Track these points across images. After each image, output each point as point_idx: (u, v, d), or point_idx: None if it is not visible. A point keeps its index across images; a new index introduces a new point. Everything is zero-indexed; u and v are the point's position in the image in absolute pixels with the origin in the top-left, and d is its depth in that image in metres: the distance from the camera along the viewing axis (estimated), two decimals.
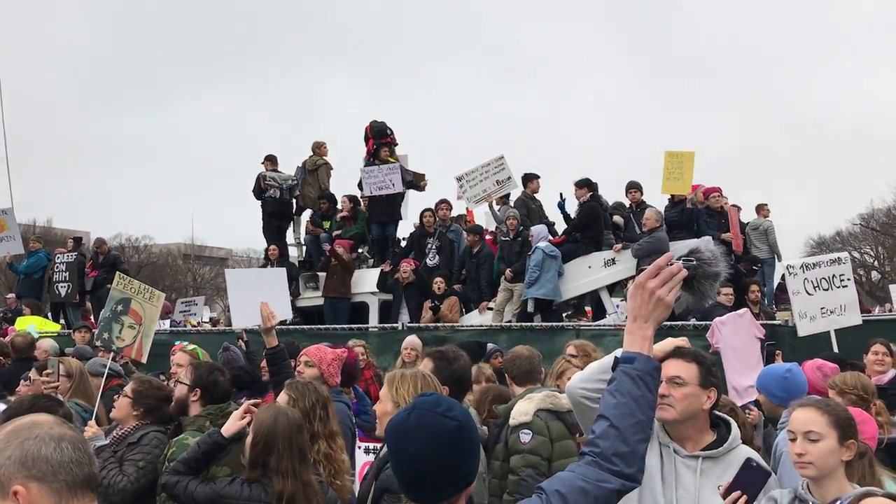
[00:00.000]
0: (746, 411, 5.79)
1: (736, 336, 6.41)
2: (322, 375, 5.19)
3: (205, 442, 3.96)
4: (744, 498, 2.90)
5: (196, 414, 4.42)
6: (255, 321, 5.38)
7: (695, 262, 2.20)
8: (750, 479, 2.98)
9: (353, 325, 11.44)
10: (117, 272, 8.06)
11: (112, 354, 6.86)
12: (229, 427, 3.99)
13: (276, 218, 14.05)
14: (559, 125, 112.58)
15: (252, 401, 4.27)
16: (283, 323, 12.99)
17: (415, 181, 13.75)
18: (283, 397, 4.21)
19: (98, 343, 7.39)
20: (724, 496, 2.92)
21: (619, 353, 2.28)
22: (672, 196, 12.27)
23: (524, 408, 4.62)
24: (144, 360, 7.03)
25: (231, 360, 7.14)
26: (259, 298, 5.30)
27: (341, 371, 5.37)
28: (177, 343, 8.00)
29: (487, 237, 13.09)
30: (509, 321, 11.41)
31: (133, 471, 4.28)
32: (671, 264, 2.21)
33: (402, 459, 2.13)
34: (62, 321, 14.67)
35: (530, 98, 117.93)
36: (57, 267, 14.83)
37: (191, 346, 5.90)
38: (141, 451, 4.38)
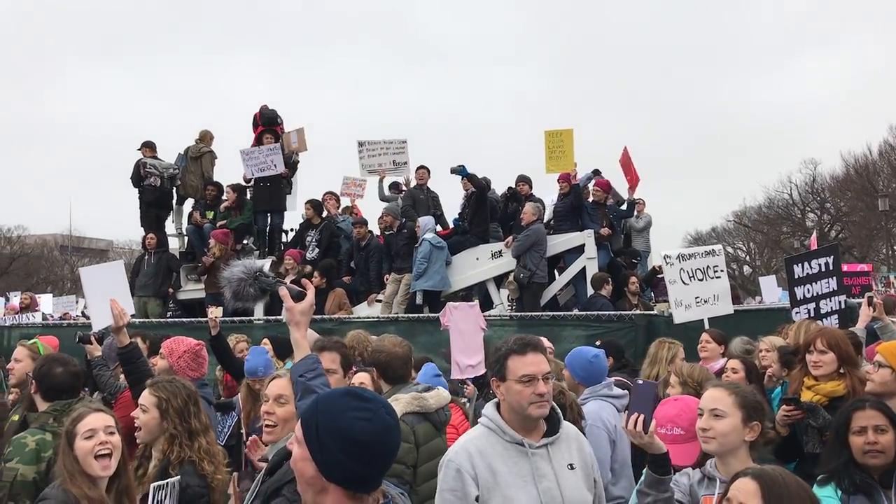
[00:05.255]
0: (465, 385, 7.10)
1: (465, 322, 7.24)
2: (171, 368, 5.03)
3: None
4: (642, 417, 3.05)
5: (42, 410, 4.22)
6: (110, 320, 5.05)
7: (272, 279, 3.16)
8: (642, 397, 3.13)
9: (234, 318, 11.00)
10: None
11: None
12: None
13: (154, 207, 13.43)
14: (467, 115, 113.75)
15: None
16: (163, 315, 12.56)
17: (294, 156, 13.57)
18: (149, 399, 3.91)
19: None
20: (626, 422, 3.10)
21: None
22: (560, 189, 12.32)
23: None
24: None
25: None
26: (109, 295, 5.01)
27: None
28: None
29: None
30: (398, 312, 11.35)
31: None
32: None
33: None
34: None
35: (440, 87, 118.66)
36: None
37: (31, 341, 5.54)
38: None
